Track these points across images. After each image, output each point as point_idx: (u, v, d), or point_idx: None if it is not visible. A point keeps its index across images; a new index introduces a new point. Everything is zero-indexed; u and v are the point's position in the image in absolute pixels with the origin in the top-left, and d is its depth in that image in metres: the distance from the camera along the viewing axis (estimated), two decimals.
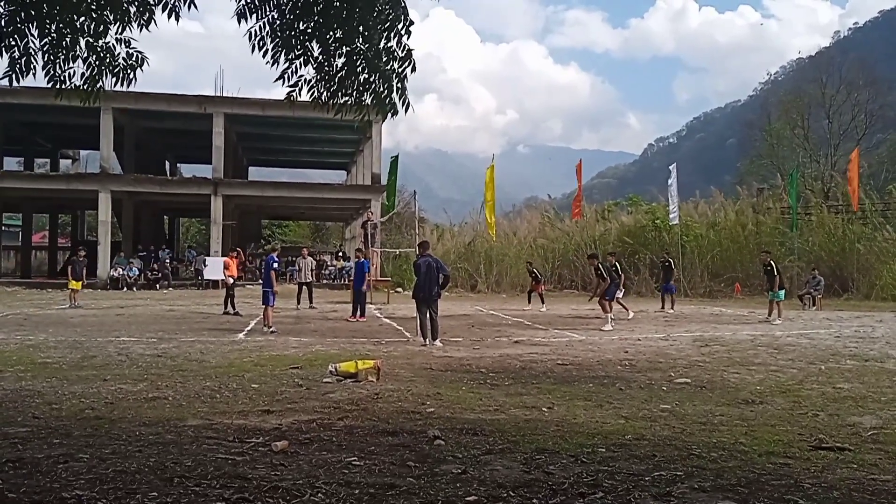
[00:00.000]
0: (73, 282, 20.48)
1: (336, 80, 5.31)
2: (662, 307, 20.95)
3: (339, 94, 5.38)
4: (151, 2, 5.14)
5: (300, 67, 5.24)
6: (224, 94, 33.24)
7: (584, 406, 6.90)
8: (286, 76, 5.23)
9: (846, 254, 28.69)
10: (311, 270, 22.09)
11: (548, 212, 38.51)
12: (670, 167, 30.36)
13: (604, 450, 5.16)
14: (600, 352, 11.31)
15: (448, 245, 33.98)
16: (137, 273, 30.52)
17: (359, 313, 17.12)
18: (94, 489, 4.04)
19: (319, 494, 4.02)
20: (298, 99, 5.38)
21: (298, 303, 20.71)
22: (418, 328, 12.42)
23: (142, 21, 5.21)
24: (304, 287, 21.12)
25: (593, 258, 17.50)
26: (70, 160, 46.48)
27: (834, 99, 46.97)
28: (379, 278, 26.48)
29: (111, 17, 5.21)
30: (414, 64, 5.20)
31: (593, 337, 13.64)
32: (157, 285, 30.05)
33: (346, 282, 28.60)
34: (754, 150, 53.21)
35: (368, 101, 5.40)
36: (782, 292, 17.40)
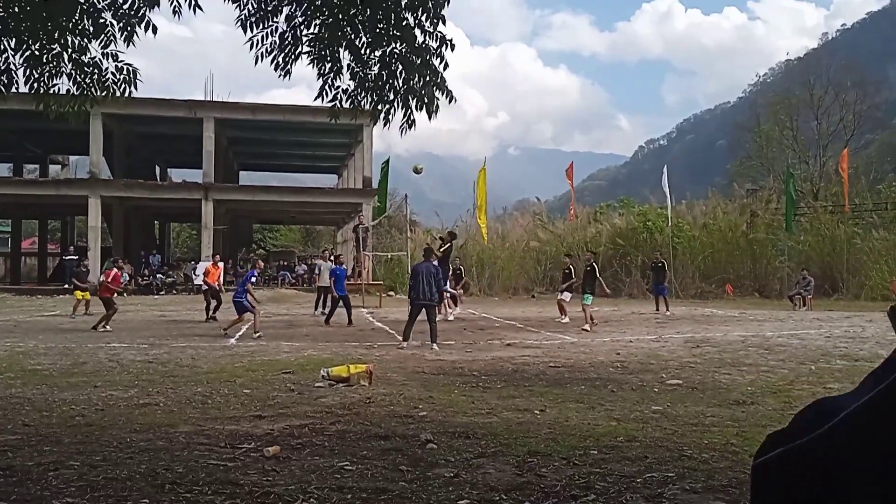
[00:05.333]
0: (80, 292, 19.77)
1: (376, 86, 5.23)
2: (657, 309, 20.90)
3: (383, 100, 5.29)
4: (132, 15, 5.06)
5: (334, 80, 5.17)
6: (214, 99, 33.18)
7: (576, 408, 6.92)
8: (324, 92, 5.16)
9: (836, 254, 28.83)
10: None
11: (539, 214, 38.55)
12: (662, 177, 30.26)
13: (596, 452, 5.18)
14: (592, 354, 11.33)
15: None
16: (128, 279, 30.36)
17: (326, 316, 16.92)
18: (85, 496, 4.03)
19: (311, 499, 4.01)
20: (341, 109, 5.30)
21: (316, 308, 19.73)
22: (405, 329, 12.38)
23: (125, 34, 5.15)
24: (324, 291, 19.28)
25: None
26: (59, 165, 46.21)
27: (822, 100, 47.25)
28: (371, 281, 26.44)
29: (92, 32, 5.14)
30: (452, 45, 5.10)
31: (585, 339, 13.67)
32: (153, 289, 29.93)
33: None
34: (744, 152, 53.42)
35: (413, 104, 5.29)
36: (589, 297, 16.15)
